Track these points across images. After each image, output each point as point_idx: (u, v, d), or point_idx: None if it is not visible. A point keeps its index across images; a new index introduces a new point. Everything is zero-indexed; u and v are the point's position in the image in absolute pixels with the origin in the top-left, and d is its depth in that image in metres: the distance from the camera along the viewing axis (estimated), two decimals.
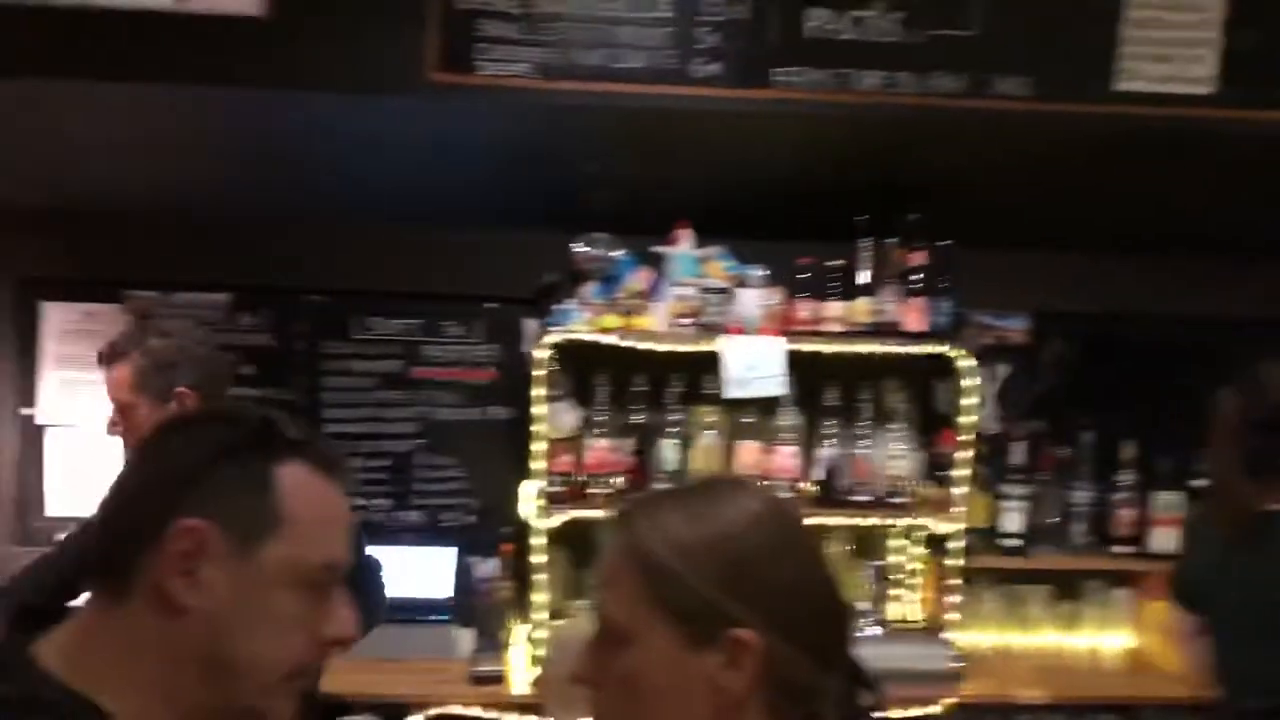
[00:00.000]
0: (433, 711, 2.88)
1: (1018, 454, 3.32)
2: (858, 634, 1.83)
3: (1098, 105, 2.75)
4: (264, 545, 0.99)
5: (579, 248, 3.16)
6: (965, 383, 3.00)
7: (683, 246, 3.14)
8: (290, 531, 1.00)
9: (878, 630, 1.58)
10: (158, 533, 0.97)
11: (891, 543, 3.32)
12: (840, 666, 1.01)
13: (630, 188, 3.10)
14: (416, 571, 3.22)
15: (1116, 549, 3.36)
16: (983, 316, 3.45)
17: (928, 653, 1.52)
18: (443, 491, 3.34)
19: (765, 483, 2.92)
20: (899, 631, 2.65)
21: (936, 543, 3.20)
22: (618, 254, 3.15)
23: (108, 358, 2.30)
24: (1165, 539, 3.33)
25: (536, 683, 1.40)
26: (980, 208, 3.22)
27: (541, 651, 2.71)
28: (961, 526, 3.03)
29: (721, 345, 2.92)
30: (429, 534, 3.32)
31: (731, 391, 2.93)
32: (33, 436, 3.26)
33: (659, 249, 3.18)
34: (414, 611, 3.12)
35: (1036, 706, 3.04)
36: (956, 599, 3.05)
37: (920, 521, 3.04)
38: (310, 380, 3.29)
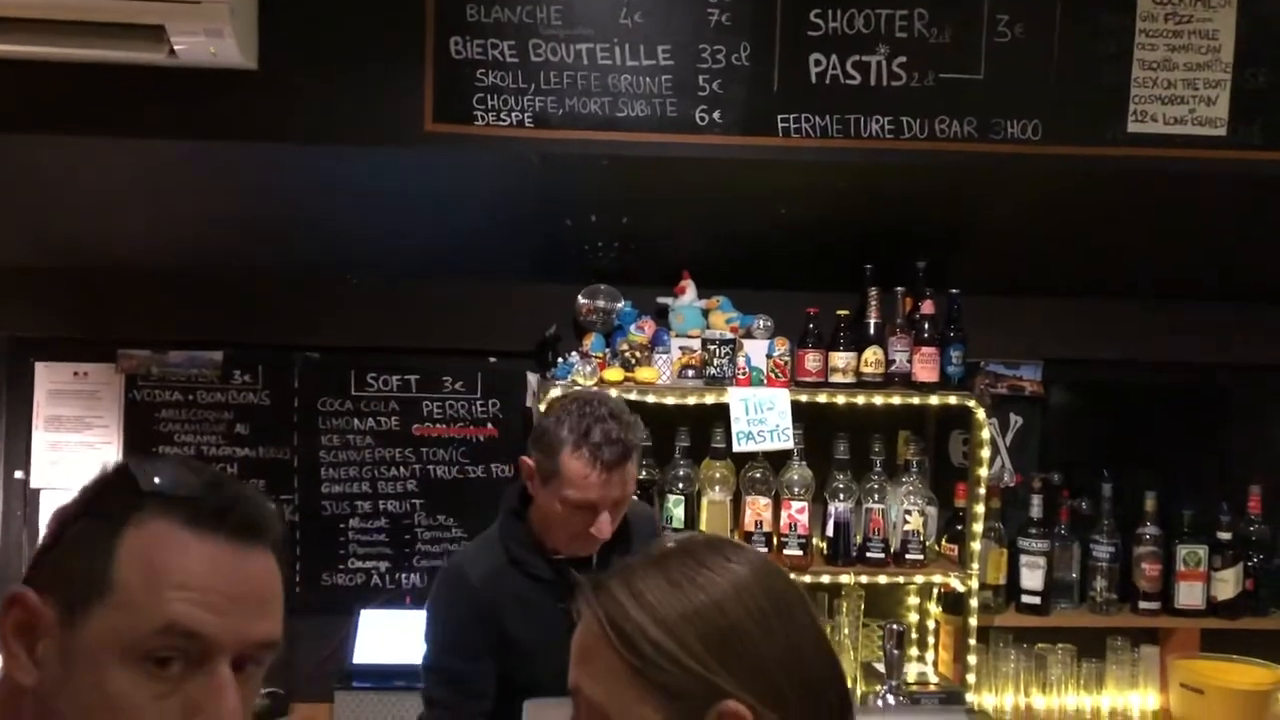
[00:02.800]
0: None
1: (1035, 507, 3.22)
2: (873, 702, 1.75)
3: (1109, 148, 2.70)
4: (89, 613, 0.86)
5: (581, 299, 3.10)
6: (978, 434, 2.91)
7: (686, 297, 3.08)
8: (119, 598, 0.86)
9: (891, 700, 1.48)
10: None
11: (908, 601, 3.22)
12: None
13: (632, 238, 3.05)
14: (418, 636, 3.11)
15: (1141, 604, 3.23)
16: (994, 366, 3.36)
17: None
18: (443, 553, 3.23)
19: (756, 543, 2.82)
20: (916, 699, 2.54)
21: (952, 600, 3.10)
22: (620, 305, 3.09)
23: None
24: (1191, 593, 3.21)
25: None
26: (990, 254, 3.16)
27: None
28: (977, 584, 2.93)
29: (729, 397, 2.84)
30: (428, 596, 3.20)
31: (740, 445, 2.84)
32: (25, 500, 3.18)
33: (663, 300, 3.12)
34: (414, 678, 2.98)
35: None
36: (973, 659, 2.94)
37: (935, 578, 2.93)
38: (307, 439, 3.20)
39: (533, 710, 1.53)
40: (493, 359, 3.26)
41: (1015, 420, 3.38)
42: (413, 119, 2.61)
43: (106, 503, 0.90)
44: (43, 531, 0.97)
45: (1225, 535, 3.22)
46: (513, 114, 2.62)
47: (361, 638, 3.10)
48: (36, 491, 3.18)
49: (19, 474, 3.19)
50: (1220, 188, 2.81)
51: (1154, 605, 3.23)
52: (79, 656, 0.86)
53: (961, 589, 2.94)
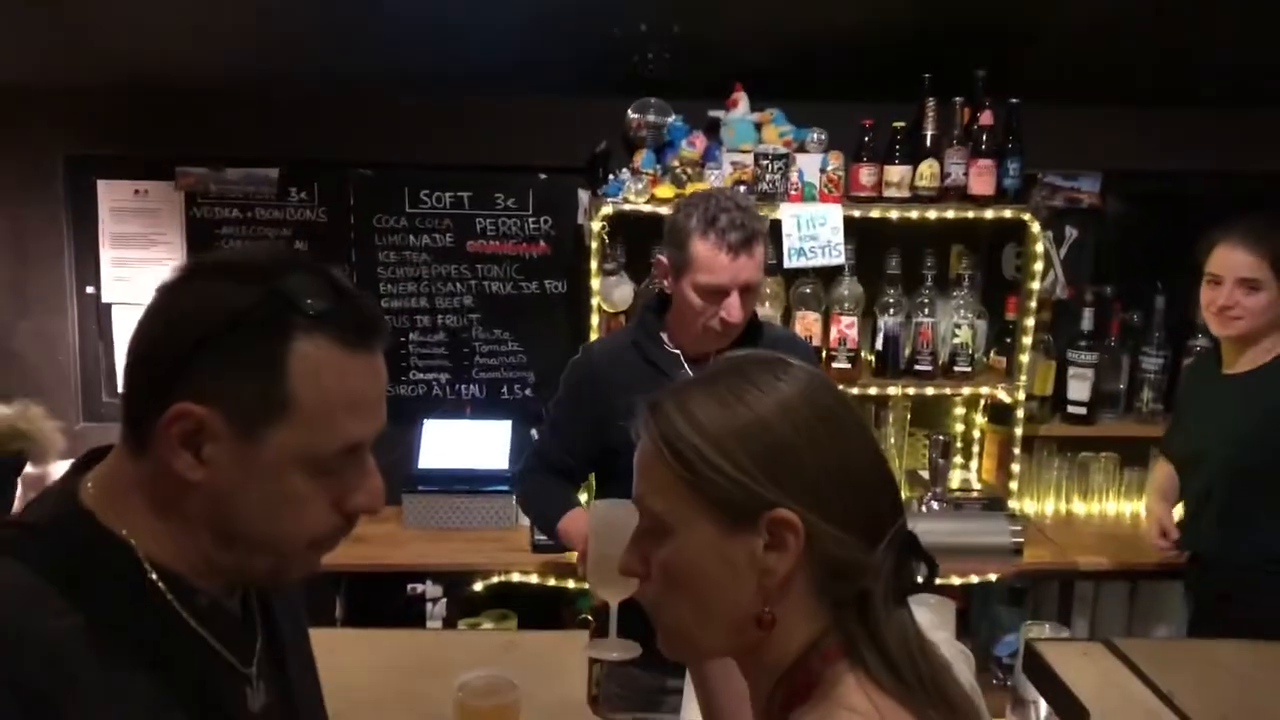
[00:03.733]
0: (495, 580, 2.94)
1: (1086, 319, 3.22)
2: (917, 507, 1.82)
3: None
4: (271, 431, 0.94)
5: (631, 114, 3.07)
6: (1032, 248, 2.90)
7: (739, 111, 3.04)
8: (301, 418, 0.94)
9: (935, 505, 1.55)
10: (159, 407, 0.93)
11: (955, 412, 3.27)
12: (890, 541, 0.98)
13: (683, 47, 2.98)
14: (475, 444, 3.25)
15: None
16: (1052, 177, 3.30)
17: (988, 527, 1.49)
18: (499, 365, 3.33)
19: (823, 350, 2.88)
20: (959, 505, 2.63)
21: (1000, 411, 3.15)
22: (670, 120, 3.05)
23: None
24: None
25: (580, 560, 1.40)
26: (1051, 62, 3.07)
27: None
28: (1023, 394, 2.97)
29: (781, 214, 2.84)
30: (487, 407, 3.33)
31: (791, 261, 2.86)
32: (98, 315, 3.29)
33: (714, 114, 3.08)
34: (474, 483, 3.16)
35: (1098, 573, 3.03)
36: (1017, 468, 3.02)
37: (983, 390, 2.98)
38: (363, 255, 3.26)
39: (599, 510, 1.61)
40: (544, 175, 3.26)
41: (1071, 233, 3.35)
42: None
43: (259, 320, 0.94)
44: (122, 344, 1.01)
45: None
46: None
47: (425, 445, 3.24)
48: (109, 306, 3.30)
49: (90, 289, 3.29)
50: None
51: None
52: (260, 465, 0.95)
53: (1008, 400, 2.99)
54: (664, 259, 2.15)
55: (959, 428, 3.27)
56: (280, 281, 0.96)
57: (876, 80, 2.93)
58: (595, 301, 2.89)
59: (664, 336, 2.20)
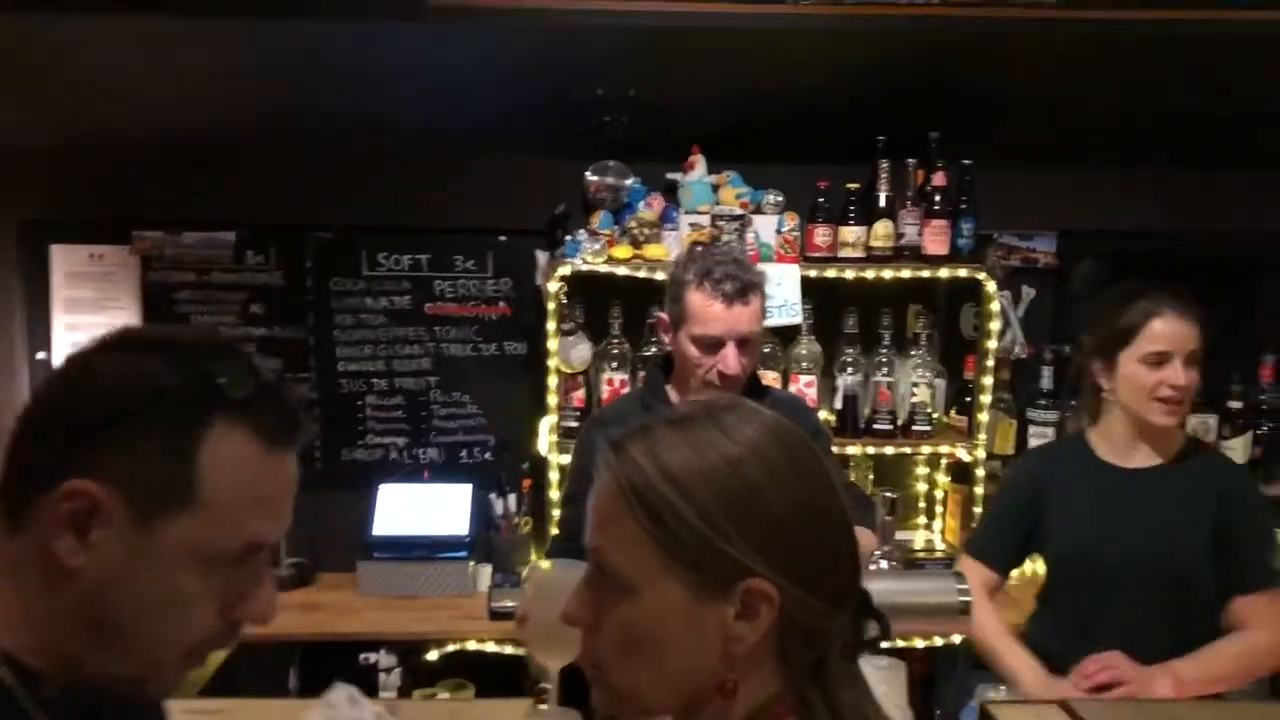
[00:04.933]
0: (451, 648, 2.87)
1: (1045, 378, 3.23)
2: (869, 567, 1.80)
3: (1128, 11, 2.62)
4: (172, 519, 0.88)
5: (590, 176, 3.08)
6: (988, 307, 2.91)
7: (696, 173, 3.05)
8: (205, 510, 0.89)
9: (885, 564, 1.53)
10: (49, 482, 0.86)
11: (917, 471, 3.26)
12: (849, 603, 0.95)
13: (641, 111, 3.00)
14: (434, 509, 3.20)
15: None
16: (1008, 237, 3.33)
17: (934, 586, 1.46)
18: (458, 428, 3.30)
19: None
20: (910, 564, 2.61)
21: (962, 471, 3.14)
22: (629, 182, 3.06)
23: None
24: None
25: (519, 623, 1.35)
26: (1005, 124, 3.11)
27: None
28: (984, 453, 2.96)
29: None
30: (446, 471, 3.29)
31: None
32: None
33: (672, 176, 3.09)
34: (432, 549, 3.10)
35: None
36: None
37: (942, 449, 2.97)
38: (322, 318, 3.24)
39: (541, 572, 1.57)
40: (503, 237, 3.26)
41: (1028, 292, 3.37)
42: None
43: (180, 401, 0.89)
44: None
45: (1236, 404, 3.23)
46: None
47: (381, 510, 3.18)
48: None
49: (41, 355, 3.24)
50: (1242, 51, 2.73)
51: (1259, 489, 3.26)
52: (152, 556, 0.88)
53: (968, 459, 2.98)
54: (664, 315, 2.15)
55: (921, 487, 3.26)
56: (208, 364, 0.92)
57: (833, 143, 2.95)
58: (553, 363, 2.87)
59: (671, 395, 2.17)
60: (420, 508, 3.19)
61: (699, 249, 2.14)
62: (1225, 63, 2.80)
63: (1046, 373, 3.23)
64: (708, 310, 2.00)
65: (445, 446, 3.31)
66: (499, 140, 3.12)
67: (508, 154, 3.18)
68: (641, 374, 2.93)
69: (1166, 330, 2.08)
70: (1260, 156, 3.21)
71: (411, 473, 3.30)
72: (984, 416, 2.96)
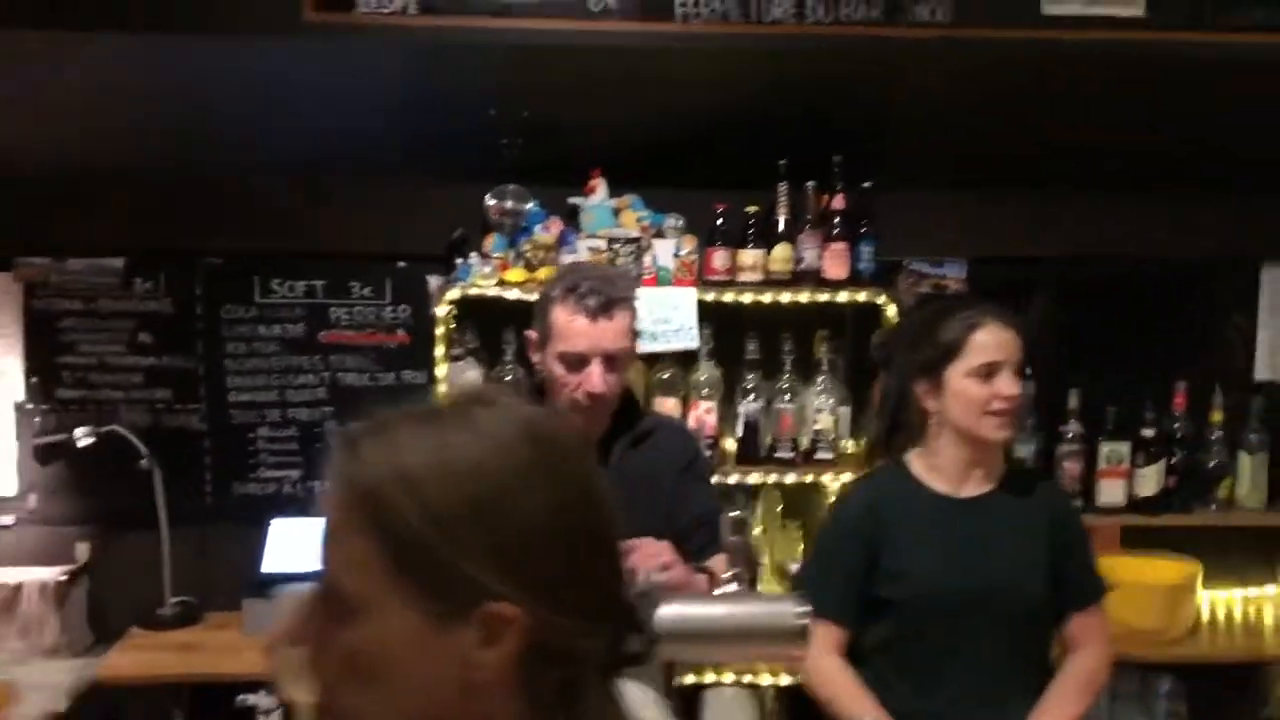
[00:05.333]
0: None
1: None
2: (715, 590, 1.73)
3: (1022, 31, 2.59)
4: None
5: (489, 200, 3.01)
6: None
7: (597, 196, 2.99)
8: None
9: (734, 587, 1.45)
10: None
11: (828, 501, 3.18)
12: (610, 619, 0.86)
13: (537, 133, 2.94)
14: None
15: None
16: (919, 264, 3.28)
17: (771, 609, 1.37)
18: None
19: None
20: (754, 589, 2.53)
21: None
22: (529, 205, 2.99)
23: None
24: (1112, 490, 3.19)
25: (267, 650, 1.22)
26: (911, 148, 3.08)
27: None
28: None
29: None
30: None
31: (644, 345, 2.77)
32: None
33: (574, 200, 3.03)
34: None
35: None
36: None
37: (845, 477, 2.89)
38: (212, 347, 3.13)
39: (289, 594, 1.45)
40: (402, 263, 3.17)
41: None
42: (291, 5, 2.48)
43: None
44: None
45: (1148, 432, 3.19)
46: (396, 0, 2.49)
47: (272, 546, 3.06)
48: None
49: None
50: (1141, 72, 2.71)
51: (1076, 503, 3.20)
52: None
53: None
54: (532, 334, 2.05)
55: None
56: None
57: (737, 166, 2.91)
58: (442, 390, 2.77)
59: None
60: (313, 544, 3.06)
61: (568, 266, 2.06)
62: (1126, 84, 2.78)
63: None
64: (571, 326, 1.92)
65: None
66: (397, 164, 3.05)
67: (407, 178, 3.10)
68: (538, 401, 2.84)
69: (992, 340, 1.96)
70: (1171, 181, 3.18)
71: (305, 507, 3.17)
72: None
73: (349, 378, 3.17)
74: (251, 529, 3.06)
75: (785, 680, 2.71)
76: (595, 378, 1.91)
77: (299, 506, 3.16)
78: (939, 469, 2.04)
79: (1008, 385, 1.94)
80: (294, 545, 3.06)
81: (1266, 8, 2.58)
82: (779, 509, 3.10)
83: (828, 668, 2.00)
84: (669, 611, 1.30)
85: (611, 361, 1.93)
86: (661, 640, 1.37)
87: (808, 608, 1.37)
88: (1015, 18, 2.58)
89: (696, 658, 1.33)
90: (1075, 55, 2.62)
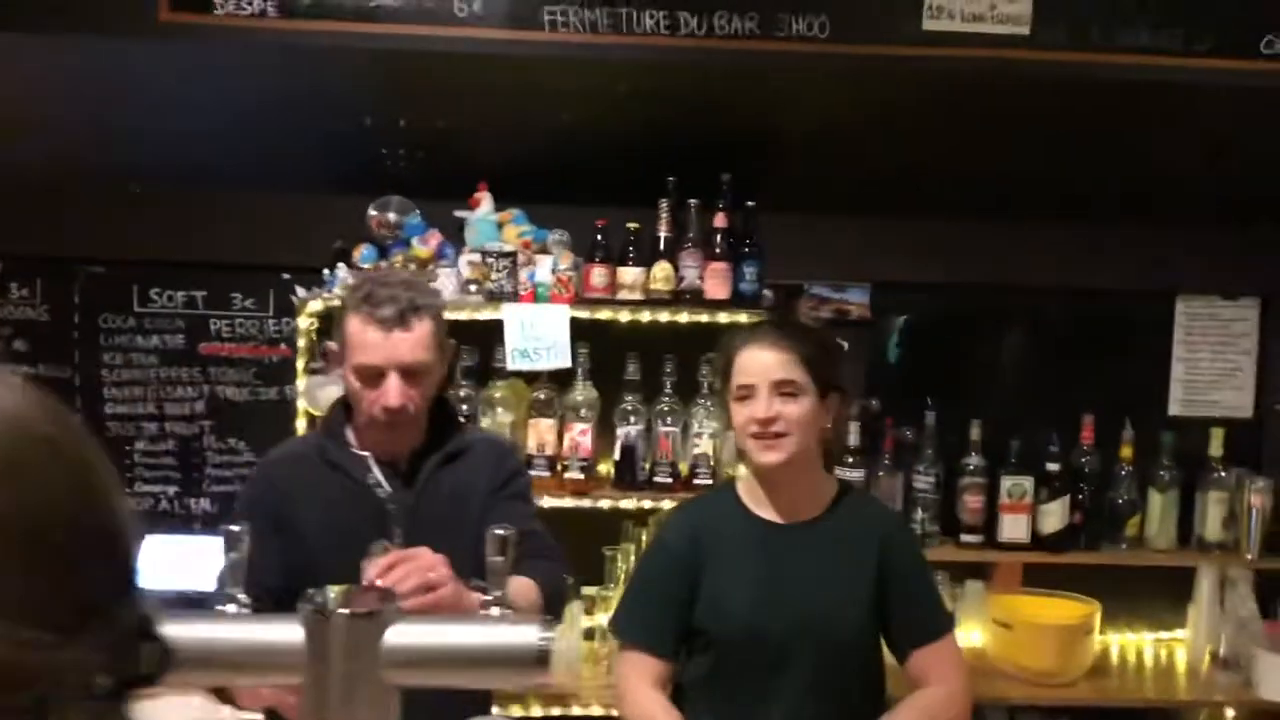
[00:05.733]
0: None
1: (852, 434, 3.07)
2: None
3: (901, 47, 2.52)
4: None
5: (371, 211, 2.93)
6: None
7: (482, 210, 2.91)
8: None
9: (495, 610, 1.35)
10: None
11: None
12: (94, 631, 0.76)
13: (423, 145, 2.88)
14: (207, 563, 2.97)
15: (963, 538, 3.10)
16: (821, 288, 3.20)
17: (511, 635, 1.28)
18: (233, 477, 3.09)
19: (538, 467, 2.67)
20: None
21: None
22: (409, 218, 2.92)
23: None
24: (1015, 526, 3.08)
25: None
26: (808, 169, 3.00)
27: None
28: None
29: (503, 314, 2.69)
30: (219, 522, 3.06)
31: (514, 363, 2.70)
32: None
33: (460, 214, 2.95)
34: (201, 606, 2.87)
35: None
36: None
37: None
38: (88, 357, 3.05)
39: None
40: (286, 275, 3.09)
41: (841, 345, 3.22)
42: (146, 6, 2.42)
43: None
44: None
45: (1053, 466, 3.08)
46: (254, 1, 2.43)
47: (145, 565, 2.96)
48: None
49: None
50: (1029, 92, 2.63)
51: (977, 539, 3.10)
52: None
53: None
54: (332, 346, 1.96)
55: None
56: None
57: (626, 183, 2.82)
58: (301, 404, 2.69)
59: (350, 437, 1.95)
60: (190, 562, 2.98)
61: (369, 272, 1.96)
62: (1014, 105, 2.71)
63: (853, 428, 3.08)
64: (365, 337, 1.81)
65: (218, 497, 3.11)
66: (280, 173, 2.97)
67: (293, 188, 3.02)
68: None
69: (748, 362, 1.89)
70: (1082, 209, 3.10)
71: (182, 524, 3.08)
72: None
73: (229, 391, 3.09)
74: None
75: (599, 712, 2.60)
76: (392, 392, 1.81)
77: (176, 523, 3.07)
78: (754, 494, 1.95)
79: (756, 408, 1.85)
80: (170, 563, 2.97)
81: (1154, 29, 2.50)
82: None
83: (642, 699, 1.90)
84: (399, 632, 1.22)
85: (411, 375, 1.83)
86: (398, 666, 1.29)
87: (551, 633, 1.28)
88: (895, 33, 2.50)
89: (431, 682, 1.24)
90: (958, 73, 2.54)
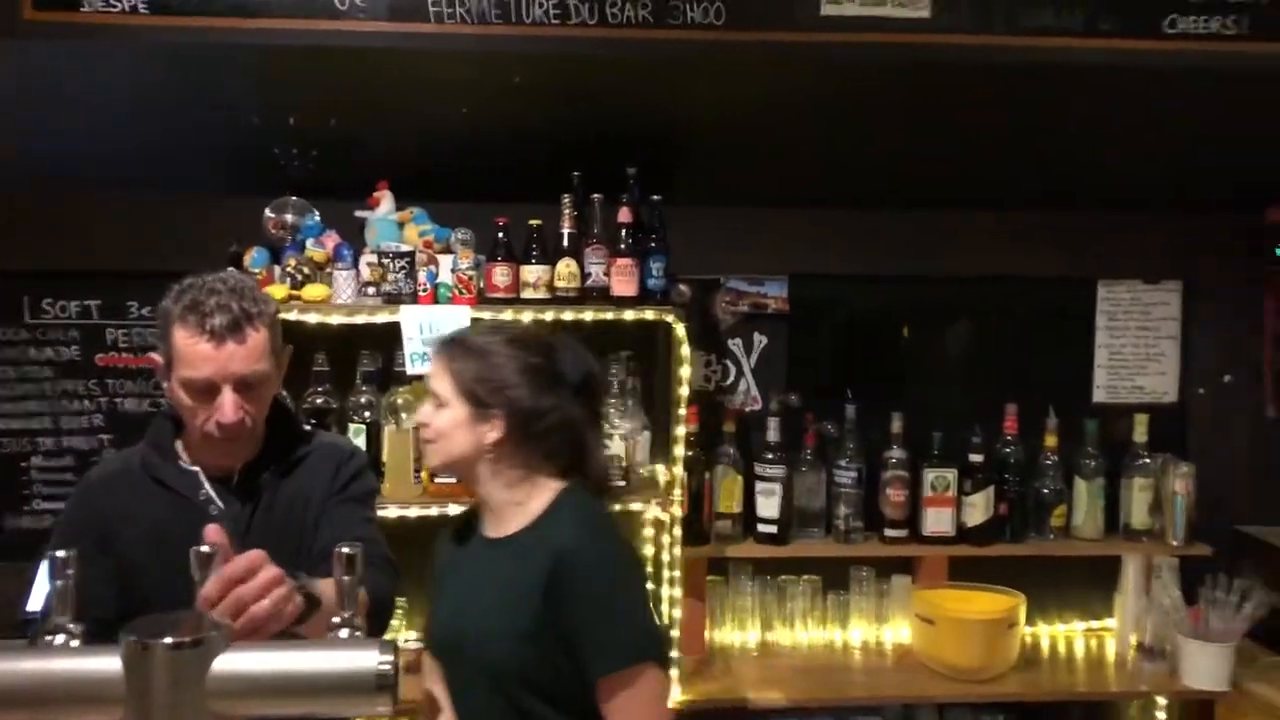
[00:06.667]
0: None
1: (771, 431, 3.01)
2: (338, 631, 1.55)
3: (799, 34, 2.45)
4: None
5: (268, 213, 2.85)
6: (678, 352, 2.69)
7: (382, 209, 2.82)
8: None
9: (344, 633, 1.26)
10: None
11: (644, 534, 3.00)
12: None
13: (320, 145, 2.78)
14: None
15: (887, 532, 3.04)
16: (737, 282, 3.13)
17: (348, 660, 1.20)
18: None
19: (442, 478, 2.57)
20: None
21: (695, 533, 2.89)
22: (307, 219, 2.83)
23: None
24: (939, 519, 3.03)
25: None
26: (720, 162, 2.94)
27: None
28: (680, 511, 2.72)
29: (400, 316, 2.60)
30: None
31: (414, 367, 2.61)
32: None
33: (361, 214, 2.86)
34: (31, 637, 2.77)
35: (775, 711, 2.74)
36: (677, 592, 2.76)
37: (633, 506, 2.72)
38: None
39: None
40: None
41: (760, 340, 3.17)
42: (8, 5, 2.32)
43: None
44: None
45: (976, 458, 3.03)
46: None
47: (42, 583, 2.85)
48: None
49: None
50: (932, 78, 2.57)
51: (901, 533, 3.04)
52: None
53: (664, 517, 2.73)
54: (156, 357, 1.82)
55: (650, 550, 3.00)
56: None
57: (529, 180, 2.74)
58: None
59: (180, 452, 1.84)
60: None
61: (189, 278, 1.82)
62: (921, 91, 2.65)
63: (773, 425, 3.02)
64: (195, 350, 1.69)
65: None
66: (175, 176, 2.87)
67: (187, 191, 2.92)
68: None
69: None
70: (992, 197, 3.05)
71: None
72: (678, 470, 2.73)
73: (128, 404, 2.99)
74: (20, 565, 2.84)
75: None
76: (228, 407, 1.70)
77: None
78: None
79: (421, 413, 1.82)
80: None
81: (1058, 10, 2.45)
82: None
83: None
84: (227, 660, 1.15)
85: (247, 387, 1.73)
86: (227, 697, 1.21)
87: (391, 657, 1.20)
88: (791, 20, 2.43)
89: (265, 713, 1.16)
90: (859, 60, 2.47)
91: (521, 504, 1.78)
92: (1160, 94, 2.64)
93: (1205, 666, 2.77)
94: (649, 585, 1.80)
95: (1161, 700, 2.98)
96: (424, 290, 2.66)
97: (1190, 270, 3.20)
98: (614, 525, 1.82)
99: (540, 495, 1.78)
